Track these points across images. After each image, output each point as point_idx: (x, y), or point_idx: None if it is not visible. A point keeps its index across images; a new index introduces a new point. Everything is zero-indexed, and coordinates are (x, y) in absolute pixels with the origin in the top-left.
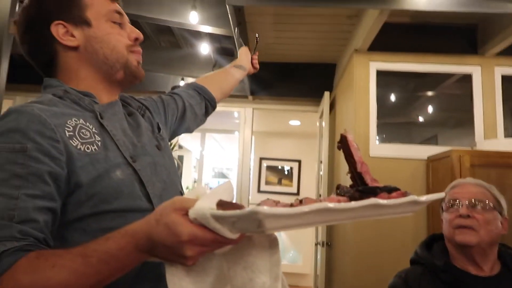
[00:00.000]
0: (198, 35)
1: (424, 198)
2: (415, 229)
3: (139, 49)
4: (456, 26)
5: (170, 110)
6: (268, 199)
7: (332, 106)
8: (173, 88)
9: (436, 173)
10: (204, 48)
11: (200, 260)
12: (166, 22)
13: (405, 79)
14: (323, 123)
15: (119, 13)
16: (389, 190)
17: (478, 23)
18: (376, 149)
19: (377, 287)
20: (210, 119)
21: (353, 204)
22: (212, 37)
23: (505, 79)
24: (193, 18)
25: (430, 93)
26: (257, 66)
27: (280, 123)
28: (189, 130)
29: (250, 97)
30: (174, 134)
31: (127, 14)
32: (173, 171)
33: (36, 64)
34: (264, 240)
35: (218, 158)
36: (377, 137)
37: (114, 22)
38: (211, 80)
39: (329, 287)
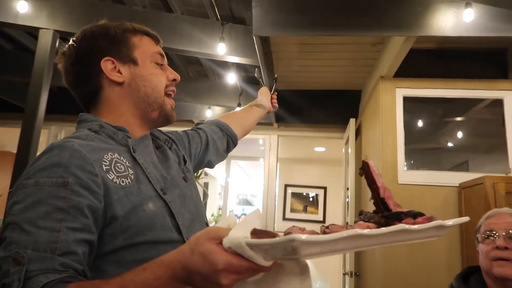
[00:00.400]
0: (225, 65)
1: (451, 222)
2: (448, 260)
3: (174, 88)
4: (484, 51)
5: (194, 143)
6: (294, 226)
7: (357, 132)
8: (197, 124)
9: (469, 200)
10: (231, 78)
11: None
12: (195, 54)
13: (433, 104)
14: (349, 150)
15: (161, 55)
16: (414, 216)
17: (507, 46)
18: (405, 175)
19: None
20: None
21: (383, 230)
22: (239, 66)
23: None
24: (221, 49)
25: (459, 119)
26: (276, 105)
27: (305, 150)
28: (211, 165)
29: (275, 124)
30: (197, 167)
31: None
32: (199, 202)
33: (79, 95)
34: (295, 266)
35: (243, 185)
36: (405, 164)
37: (157, 63)
38: (232, 118)
39: None
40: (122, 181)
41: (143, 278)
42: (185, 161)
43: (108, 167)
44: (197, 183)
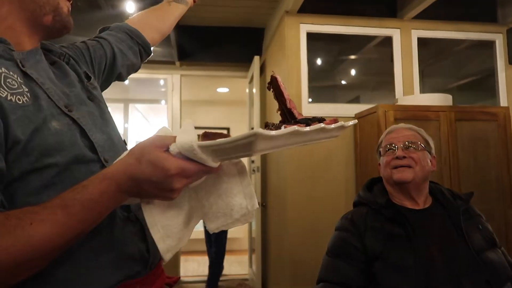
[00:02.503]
0: None
1: (350, 123)
2: (346, 179)
3: None
4: None
5: (97, 57)
6: (206, 131)
7: (261, 70)
8: (101, 31)
9: (363, 128)
10: (130, 7)
11: None
12: None
13: (330, 43)
14: (254, 89)
15: None
16: (320, 120)
17: None
18: (308, 108)
19: (314, 243)
20: (133, 87)
21: (314, 127)
22: None
23: (420, 41)
24: None
25: (353, 57)
26: None
27: (208, 91)
28: (122, 78)
29: (178, 63)
30: (105, 83)
31: None
32: (112, 122)
33: None
34: (232, 168)
35: (143, 131)
36: (309, 99)
37: None
38: (147, 19)
39: (264, 248)
40: (18, 99)
41: (87, 195)
42: (88, 78)
43: None
44: None
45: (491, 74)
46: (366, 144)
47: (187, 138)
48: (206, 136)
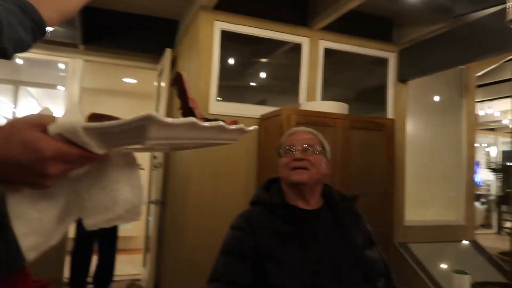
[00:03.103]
0: None
1: (251, 128)
2: (246, 183)
3: None
4: None
5: None
6: (93, 112)
7: (173, 64)
8: None
9: (267, 129)
10: None
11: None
12: None
13: (243, 43)
14: (162, 83)
15: None
16: (222, 121)
17: None
18: (216, 106)
19: (212, 242)
20: (26, 68)
21: (212, 123)
22: None
23: (326, 51)
24: None
25: (264, 60)
26: None
27: (113, 80)
28: (7, 55)
29: (82, 47)
30: None
31: None
32: None
33: None
34: (120, 160)
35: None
36: (217, 97)
37: None
38: None
39: (161, 247)
40: None
41: None
42: None
43: None
44: None
45: (383, 88)
46: (268, 145)
47: (71, 119)
48: (93, 117)
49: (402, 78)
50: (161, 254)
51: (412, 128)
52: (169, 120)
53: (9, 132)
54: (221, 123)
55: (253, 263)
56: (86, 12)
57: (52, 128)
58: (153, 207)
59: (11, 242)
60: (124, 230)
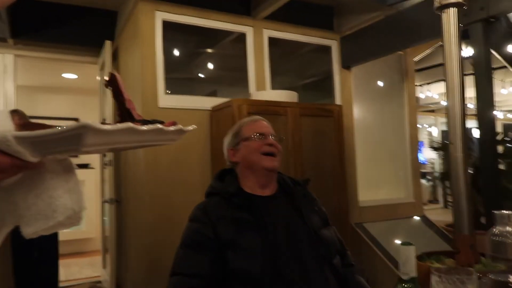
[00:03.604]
0: None
1: (190, 127)
2: (201, 174)
3: None
4: None
5: None
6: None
7: (114, 57)
8: None
9: (218, 121)
10: None
11: None
12: None
13: (188, 34)
14: (105, 77)
15: None
16: (160, 122)
17: None
18: (164, 100)
19: (171, 237)
20: None
21: (150, 127)
22: None
23: (271, 40)
24: None
25: (210, 50)
26: None
27: (52, 76)
28: None
29: (11, 41)
30: None
31: None
32: None
33: None
34: (56, 166)
35: None
36: (166, 90)
37: None
38: None
39: (120, 247)
40: None
41: None
42: None
43: None
44: None
45: (329, 75)
46: (221, 136)
47: (1, 127)
48: (25, 126)
49: (346, 65)
50: (120, 254)
51: (359, 112)
52: (106, 127)
53: None
54: (159, 125)
55: (214, 253)
56: (13, 3)
57: None
58: (107, 206)
59: None
60: (80, 232)
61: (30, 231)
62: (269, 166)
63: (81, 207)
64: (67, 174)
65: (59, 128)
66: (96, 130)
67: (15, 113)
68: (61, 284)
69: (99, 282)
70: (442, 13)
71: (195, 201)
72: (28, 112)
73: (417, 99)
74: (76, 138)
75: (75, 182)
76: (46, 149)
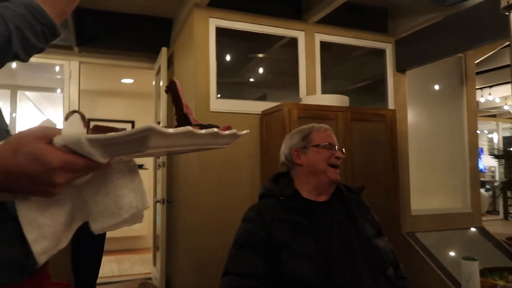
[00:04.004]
0: None
1: (244, 132)
2: (251, 181)
3: None
4: None
5: None
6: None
7: (169, 63)
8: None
9: (269, 125)
10: None
11: None
12: None
13: (239, 40)
14: (160, 82)
15: None
16: (216, 127)
17: None
18: (216, 104)
19: (220, 238)
20: (21, 72)
21: (208, 130)
22: None
23: (323, 44)
24: None
25: (261, 55)
26: None
27: (111, 81)
28: (20, 58)
29: (76, 49)
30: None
31: None
32: None
33: None
34: (123, 167)
35: (35, 123)
36: (217, 93)
37: None
38: None
39: (170, 245)
40: None
41: None
42: None
43: None
44: None
45: (382, 79)
46: (271, 140)
47: (74, 130)
48: (96, 129)
49: (400, 68)
50: (170, 252)
51: (413, 118)
52: (169, 130)
53: (16, 145)
54: (216, 130)
55: (266, 254)
56: (78, 13)
57: (57, 140)
58: (159, 206)
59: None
60: (132, 230)
61: (98, 227)
62: (334, 179)
63: (144, 205)
64: (132, 174)
65: (127, 131)
66: (160, 133)
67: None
68: (114, 279)
69: (150, 278)
70: (511, 13)
71: (244, 202)
72: (89, 114)
73: (477, 103)
74: (141, 140)
75: (139, 182)
76: (114, 151)
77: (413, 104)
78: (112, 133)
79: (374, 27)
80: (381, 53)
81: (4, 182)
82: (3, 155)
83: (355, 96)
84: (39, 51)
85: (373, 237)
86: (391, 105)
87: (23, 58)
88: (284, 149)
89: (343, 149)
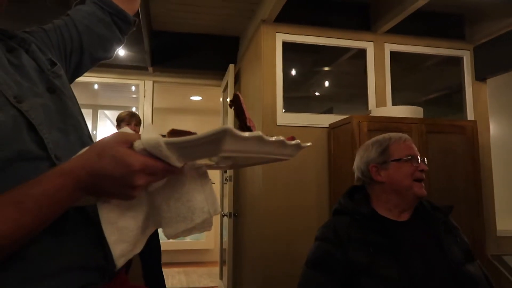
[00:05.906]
0: None
1: (307, 144)
2: (318, 191)
3: None
4: (350, 3)
5: (66, 39)
6: (173, 128)
7: (236, 79)
8: (76, 4)
9: (337, 138)
10: None
11: None
12: None
13: (305, 54)
14: (227, 98)
15: None
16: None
17: (370, 1)
18: (282, 118)
19: (286, 253)
20: (102, 92)
21: (278, 138)
22: None
23: (392, 54)
24: None
25: (326, 69)
26: None
27: (181, 99)
28: (96, 58)
29: (150, 69)
30: (78, 70)
31: None
32: (75, 116)
33: None
34: (194, 173)
35: None
36: (283, 108)
37: None
38: None
39: (237, 259)
40: None
41: (42, 191)
42: (53, 64)
43: None
44: None
45: (457, 89)
46: (340, 153)
47: (152, 135)
48: (173, 133)
49: (480, 77)
50: (237, 266)
51: (496, 129)
52: (242, 133)
53: (100, 149)
54: (282, 138)
55: (342, 276)
56: (152, 35)
57: (137, 144)
58: (226, 220)
59: (109, 251)
60: (200, 243)
61: (170, 232)
62: (421, 194)
63: (216, 210)
64: (203, 180)
65: (204, 132)
66: (234, 134)
67: (133, 117)
68: None
69: None
70: None
71: (311, 218)
72: (161, 130)
73: None
74: (216, 142)
75: (210, 187)
76: (190, 154)
77: (496, 114)
78: (190, 136)
79: (449, 34)
80: (457, 61)
81: (91, 185)
82: (89, 159)
83: (427, 107)
84: (118, 42)
85: (462, 262)
86: (470, 116)
87: (100, 57)
88: (359, 164)
89: (425, 160)
